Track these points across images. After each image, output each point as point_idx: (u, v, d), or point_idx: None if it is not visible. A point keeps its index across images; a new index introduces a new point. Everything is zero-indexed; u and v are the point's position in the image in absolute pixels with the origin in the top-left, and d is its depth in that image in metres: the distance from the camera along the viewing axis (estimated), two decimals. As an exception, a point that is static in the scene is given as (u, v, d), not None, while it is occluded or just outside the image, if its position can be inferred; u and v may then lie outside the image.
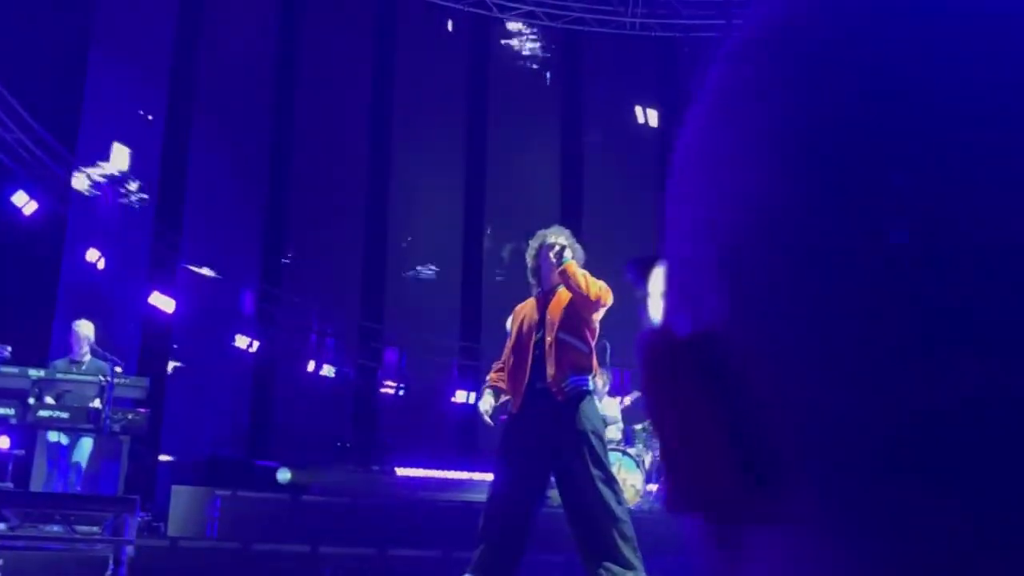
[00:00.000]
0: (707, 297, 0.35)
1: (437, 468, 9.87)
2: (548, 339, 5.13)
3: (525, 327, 5.23)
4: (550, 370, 5.07)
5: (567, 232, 5.33)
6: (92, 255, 10.76)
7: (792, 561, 0.33)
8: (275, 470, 9.38)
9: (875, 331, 0.30)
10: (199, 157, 12.07)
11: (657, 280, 0.39)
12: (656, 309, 0.38)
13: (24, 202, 9.60)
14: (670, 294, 0.38)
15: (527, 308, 5.31)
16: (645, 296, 0.44)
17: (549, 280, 5.22)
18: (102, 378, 7.54)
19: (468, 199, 13.39)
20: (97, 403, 7.40)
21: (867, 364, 0.30)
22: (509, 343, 5.28)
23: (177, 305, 11.14)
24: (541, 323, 5.19)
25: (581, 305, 5.10)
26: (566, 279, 5.09)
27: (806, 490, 0.32)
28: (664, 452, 0.35)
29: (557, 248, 5.14)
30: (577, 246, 5.26)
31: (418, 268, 13.37)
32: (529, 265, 5.29)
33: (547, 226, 5.44)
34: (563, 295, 5.20)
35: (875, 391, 0.30)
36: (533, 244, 5.28)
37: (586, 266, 5.20)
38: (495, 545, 5.07)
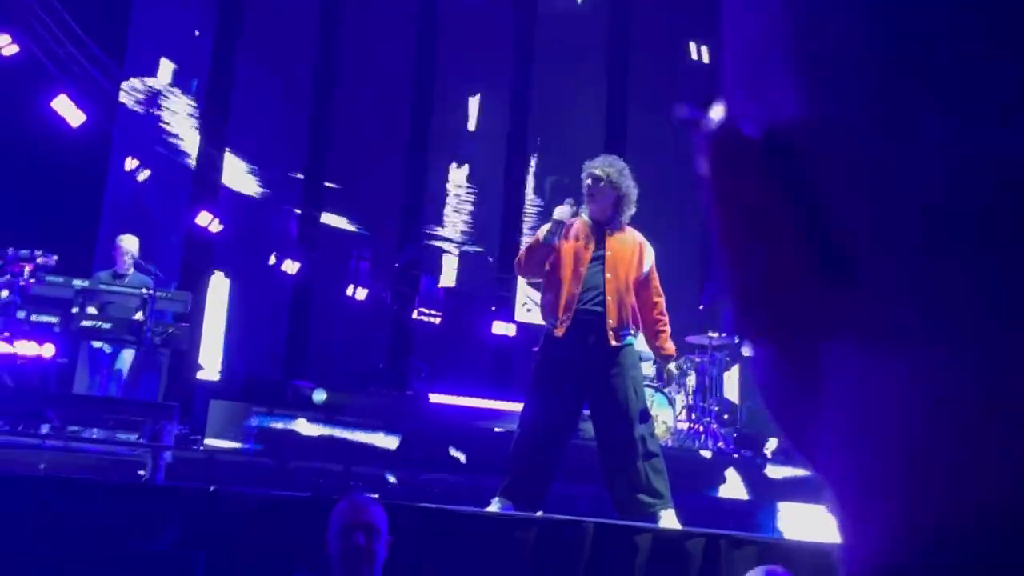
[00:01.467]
0: (775, 85, 0.31)
1: (471, 396, 9.94)
2: (609, 280, 5.12)
3: (579, 253, 5.18)
4: (610, 320, 5.09)
5: (627, 167, 5.29)
6: (131, 164, 10.82)
7: (868, 378, 0.30)
8: (311, 391, 9.49)
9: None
10: (245, 75, 12.05)
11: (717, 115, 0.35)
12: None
13: (71, 112, 9.65)
14: (731, 83, 0.34)
15: (581, 230, 5.25)
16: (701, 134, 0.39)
17: (606, 214, 5.19)
18: (145, 291, 7.65)
19: (512, 128, 13.30)
20: (139, 316, 7.51)
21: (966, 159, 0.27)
22: (557, 260, 5.20)
23: (221, 224, 11.22)
24: (600, 259, 5.17)
25: (646, 290, 5.29)
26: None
27: (884, 290, 0.29)
28: (730, 270, 0.33)
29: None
30: (632, 183, 5.24)
31: (459, 192, 13.35)
32: (593, 189, 5.18)
33: (590, 157, 5.40)
34: (629, 245, 5.21)
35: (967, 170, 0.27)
36: (597, 171, 5.19)
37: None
38: (524, 474, 5.11)
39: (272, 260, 12.00)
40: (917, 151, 0.28)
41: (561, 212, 5.24)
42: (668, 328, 5.42)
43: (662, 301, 5.38)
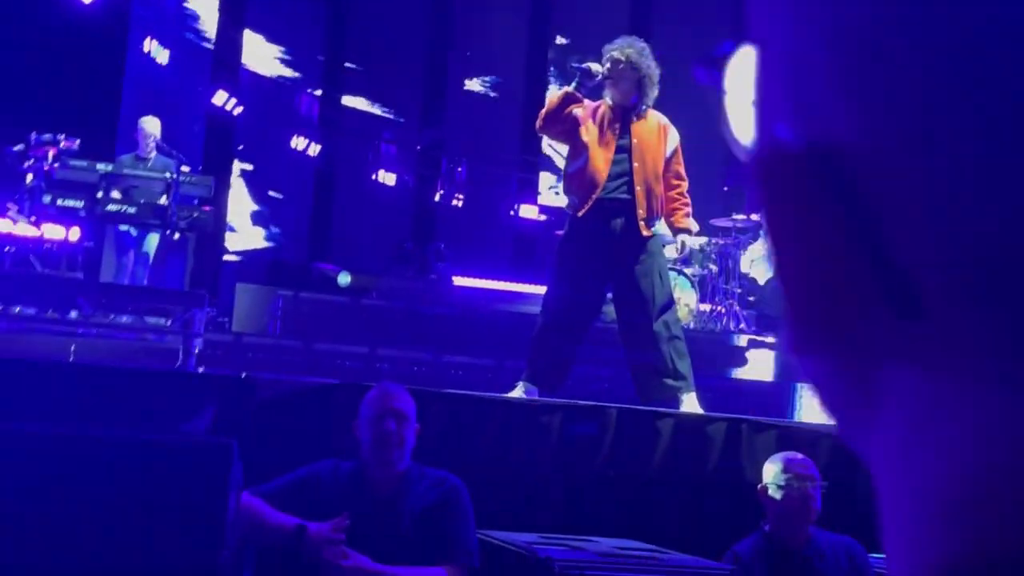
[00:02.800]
0: (826, 102, 0.29)
1: (494, 279, 9.99)
2: (637, 168, 5.09)
3: (606, 137, 5.13)
4: (640, 209, 5.07)
5: (647, 47, 5.20)
6: (150, 45, 10.70)
7: (932, 407, 0.29)
8: (335, 273, 9.56)
9: None
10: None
11: (737, 76, 0.34)
12: (740, 114, 0.33)
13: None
14: (769, 98, 0.32)
15: (605, 115, 5.18)
16: (722, 97, 0.38)
17: (629, 98, 5.12)
18: (169, 175, 7.65)
19: (535, 8, 13.02)
20: (164, 199, 7.53)
21: None
22: (583, 139, 5.16)
23: (240, 105, 11.14)
24: (626, 147, 5.12)
25: (671, 171, 5.24)
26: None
27: (954, 325, 0.28)
28: (789, 286, 0.32)
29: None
30: (654, 63, 5.15)
31: (481, 79, 13.17)
32: (609, 73, 5.11)
33: (614, 36, 5.30)
34: (655, 130, 5.15)
35: None
36: (616, 54, 5.11)
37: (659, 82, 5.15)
38: (547, 357, 5.18)
39: (295, 143, 11.95)
40: (975, 180, 0.27)
41: (590, 64, 5.18)
42: (688, 208, 5.37)
43: (684, 184, 5.33)
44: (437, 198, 12.14)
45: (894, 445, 0.31)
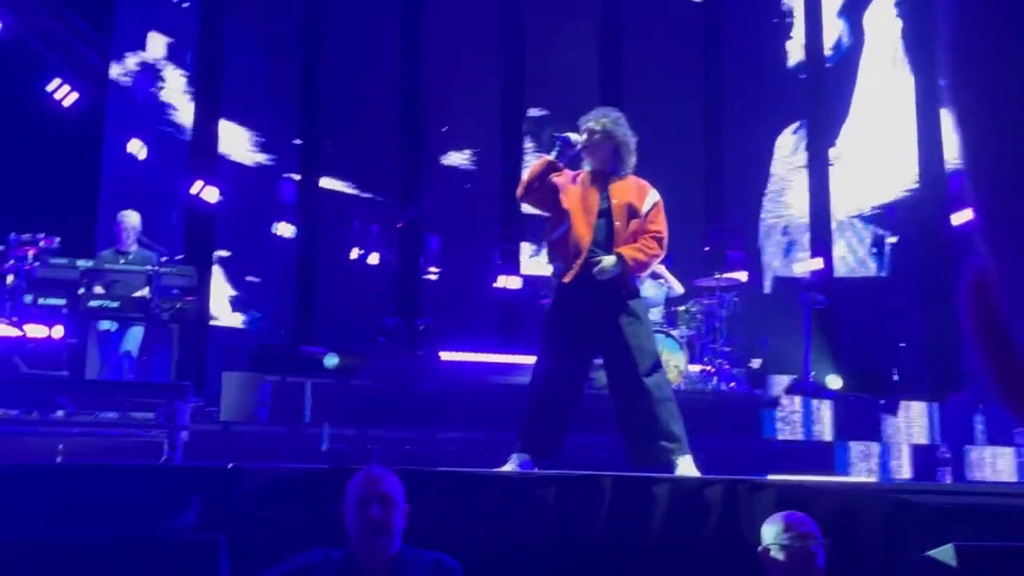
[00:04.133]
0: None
1: (481, 352, 9.96)
2: (618, 228, 5.10)
3: (587, 202, 5.16)
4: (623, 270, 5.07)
5: (622, 116, 5.27)
6: (134, 146, 10.76)
7: None
8: (322, 356, 9.51)
9: None
10: (235, 43, 11.94)
11: None
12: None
13: (63, 92, 9.57)
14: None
15: (585, 181, 5.22)
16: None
17: (607, 166, 5.17)
18: (149, 267, 7.63)
19: (507, 83, 13.18)
20: (145, 292, 7.50)
21: None
22: (565, 206, 5.16)
23: (219, 194, 11.18)
24: (607, 210, 5.15)
25: (648, 225, 5.16)
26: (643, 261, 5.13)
27: None
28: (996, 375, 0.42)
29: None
30: (629, 131, 5.21)
31: (457, 153, 13.26)
32: (587, 143, 5.16)
33: (586, 109, 5.37)
34: (632, 191, 5.17)
35: None
36: (592, 124, 5.18)
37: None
38: (540, 426, 5.14)
39: (277, 229, 11.98)
40: None
41: (569, 134, 5.23)
42: (658, 255, 5.24)
43: (662, 232, 5.21)
44: (422, 274, 12.15)
45: None
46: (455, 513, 4.11)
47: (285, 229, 12.00)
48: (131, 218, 8.38)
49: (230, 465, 4.00)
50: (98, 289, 7.48)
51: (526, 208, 5.64)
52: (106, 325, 7.99)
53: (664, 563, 4.18)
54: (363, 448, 6.86)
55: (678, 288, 8.93)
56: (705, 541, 4.24)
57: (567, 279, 5.11)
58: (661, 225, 5.21)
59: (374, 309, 11.74)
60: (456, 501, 4.16)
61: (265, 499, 3.90)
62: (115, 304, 7.41)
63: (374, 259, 12.30)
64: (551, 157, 5.20)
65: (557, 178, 5.20)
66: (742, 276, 9.56)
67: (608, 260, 5.06)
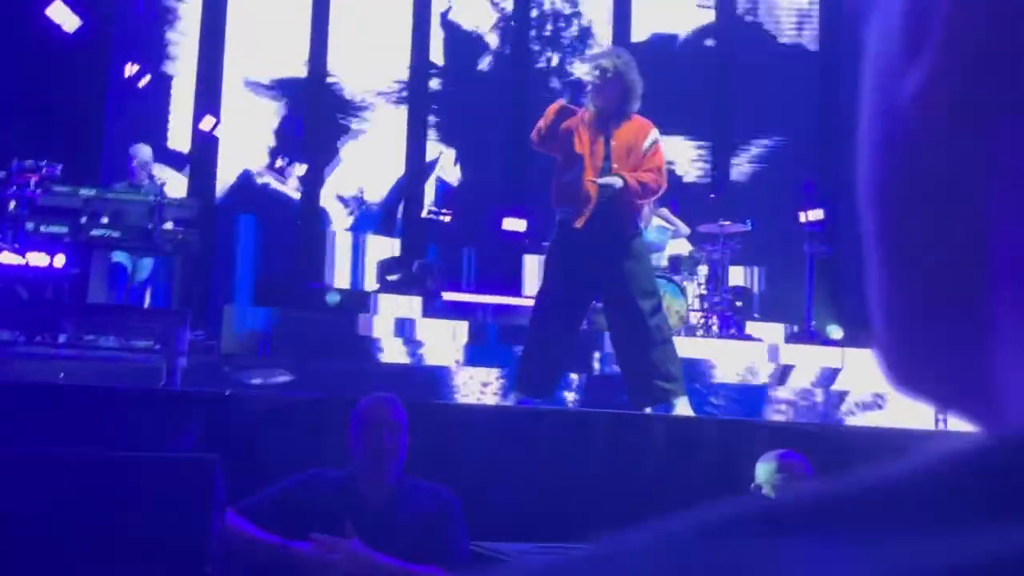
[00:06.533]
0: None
1: (483, 293, 9.97)
2: (615, 168, 5.07)
3: (593, 145, 5.13)
4: (624, 212, 5.06)
5: (633, 59, 5.22)
6: (131, 69, 10.66)
7: None
8: (324, 291, 9.52)
9: None
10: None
11: None
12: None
13: (65, 15, 9.45)
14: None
15: (591, 123, 5.17)
16: None
17: (613, 107, 5.12)
18: (152, 198, 7.60)
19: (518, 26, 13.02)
20: (149, 223, 7.48)
21: None
22: (572, 148, 5.13)
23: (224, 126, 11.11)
24: (609, 154, 5.12)
25: (648, 162, 5.13)
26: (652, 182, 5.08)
27: None
28: None
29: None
30: (638, 76, 5.16)
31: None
32: (597, 81, 5.10)
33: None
34: (634, 132, 5.13)
35: None
36: (604, 63, 5.12)
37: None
38: (538, 364, 5.16)
39: (279, 163, 11.92)
40: None
41: (580, 75, 5.20)
42: (659, 185, 5.21)
43: (661, 166, 5.19)
44: (424, 213, 12.11)
45: None
46: (450, 445, 4.13)
47: (293, 165, 11.94)
48: (143, 152, 8.32)
49: (228, 391, 4.01)
50: (101, 219, 7.47)
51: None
52: (119, 257, 7.98)
53: (660, 500, 4.21)
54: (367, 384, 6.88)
55: (684, 229, 8.90)
56: (701, 479, 4.26)
57: (579, 224, 5.08)
58: (660, 161, 5.19)
59: (376, 246, 11.74)
60: (453, 434, 4.18)
61: (265, 426, 3.92)
62: (117, 233, 7.40)
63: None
64: (564, 101, 5.16)
65: (569, 121, 5.16)
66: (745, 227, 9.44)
67: (613, 179, 5.02)
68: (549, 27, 12.96)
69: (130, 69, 10.68)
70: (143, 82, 10.77)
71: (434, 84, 12.70)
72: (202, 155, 11.25)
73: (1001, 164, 0.29)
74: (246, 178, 11.92)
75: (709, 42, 12.94)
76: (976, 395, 0.31)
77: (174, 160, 10.97)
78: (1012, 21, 0.28)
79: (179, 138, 11.28)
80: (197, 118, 11.02)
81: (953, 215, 0.30)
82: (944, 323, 0.31)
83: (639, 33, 12.63)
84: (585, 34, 12.76)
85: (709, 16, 12.98)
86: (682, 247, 9.08)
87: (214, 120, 10.94)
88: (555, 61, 12.83)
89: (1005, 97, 0.28)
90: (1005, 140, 0.29)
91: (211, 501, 2.67)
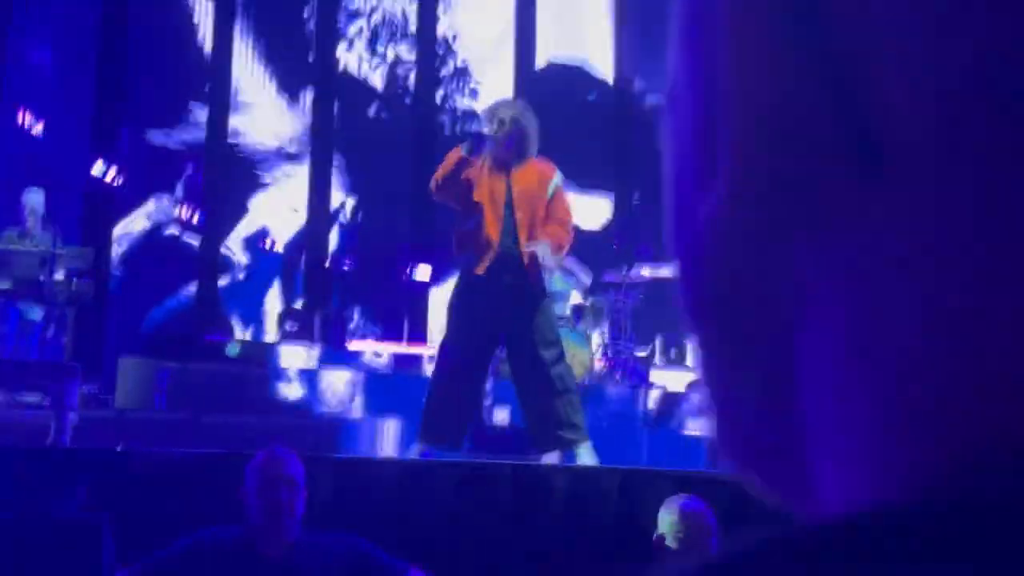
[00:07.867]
0: None
1: (388, 342, 9.89)
2: (520, 219, 5.10)
3: (493, 193, 5.14)
4: (525, 260, 5.08)
5: (529, 106, 5.29)
6: (22, 116, 10.40)
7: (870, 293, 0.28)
8: (224, 343, 9.34)
9: None
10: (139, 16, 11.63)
11: None
12: None
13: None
14: None
15: (489, 168, 5.18)
16: None
17: (511, 155, 5.15)
18: (44, 248, 7.39)
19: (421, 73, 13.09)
20: (40, 274, 7.26)
21: None
22: (473, 196, 5.13)
23: (121, 174, 10.88)
24: (510, 200, 5.14)
25: (553, 212, 5.16)
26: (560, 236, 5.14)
27: (916, 186, 0.26)
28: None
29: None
30: (535, 121, 5.21)
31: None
32: (496, 132, 5.12)
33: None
34: (535, 176, 5.17)
35: None
36: (500, 113, 5.16)
37: None
38: (442, 415, 5.12)
39: (179, 212, 11.71)
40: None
41: (482, 130, 5.21)
42: (570, 240, 5.27)
43: (569, 220, 5.27)
44: (327, 264, 12.00)
45: (827, 351, 0.28)
46: (352, 499, 4.06)
47: (181, 209, 11.75)
48: (35, 197, 8.06)
49: (119, 447, 3.88)
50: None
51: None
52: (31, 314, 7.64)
53: (563, 550, 4.19)
54: (264, 437, 6.73)
55: (585, 278, 8.98)
56: (604, 529, 4.26)
57: (480, 271, 5.09)
58: (565, 212, 5.25)
59: (282, 296, 11.58)
60: (353, 487, 4.11)
61: (155, 483, 3.80)
62: (7, 284, 7.17)
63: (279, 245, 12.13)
64: (464, 152, 5.16)
65: (468, 171, 5.17)
66: (654, 272, 9.56)
67: (541, 247, 5.06)
68: (437, 66, 13.08)
69: (22, 116, 10.41)
70: (36, 130, 10.51)
71: (335, 133, 12.68)
72: (97, 203, 10.99)
73: (797, 281, 0.28)
74: (145, 227, 11.69)
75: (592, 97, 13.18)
76: (795, 494, 0.32)
77: (68, 207, 10.68)
78: (796, 146, 0.27)
79: (73, 184, 11.00)
80: (90, 165, 10.76)
81: (759, 328, 0.30)
82: (762, 423, 0.32)
83: (530, 91, 12.80)
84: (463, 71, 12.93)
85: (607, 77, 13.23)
86: (584, 296, 9.15)
87: (106, 166, 10.69)
88: (441, 99, 12.96)
89: (798, 218, 0.28)
90: (800, 260, 0.28)
91: (99, 564, 2.56)
